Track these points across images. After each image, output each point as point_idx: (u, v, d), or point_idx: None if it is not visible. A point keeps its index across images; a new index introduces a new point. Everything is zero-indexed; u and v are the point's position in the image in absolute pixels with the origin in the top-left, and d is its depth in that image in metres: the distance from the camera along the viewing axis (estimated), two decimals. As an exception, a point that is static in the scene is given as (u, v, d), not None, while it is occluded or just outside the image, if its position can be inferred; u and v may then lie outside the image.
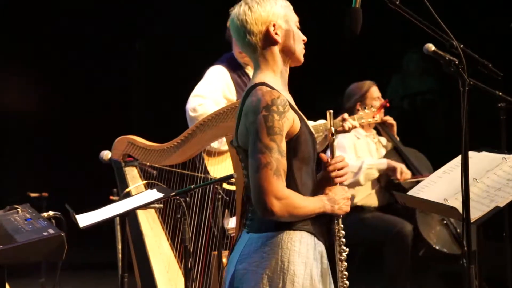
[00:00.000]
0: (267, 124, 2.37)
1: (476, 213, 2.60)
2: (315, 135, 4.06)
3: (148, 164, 3.74)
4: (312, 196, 2.49)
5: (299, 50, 2.55)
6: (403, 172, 4.91)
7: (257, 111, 2.39)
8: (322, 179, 2.60)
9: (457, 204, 2.62)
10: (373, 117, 4.25)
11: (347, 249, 2.65)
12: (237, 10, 2.53)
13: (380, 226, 4.94)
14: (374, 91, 5.10)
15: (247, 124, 2.42)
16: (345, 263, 2.64)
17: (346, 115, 4.04)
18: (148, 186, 3.67)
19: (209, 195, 3.69)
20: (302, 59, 2.58)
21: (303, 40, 2.57)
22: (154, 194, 3.16)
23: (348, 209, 2.58)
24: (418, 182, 4.21)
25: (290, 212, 2.40)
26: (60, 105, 7.41)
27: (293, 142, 2.43)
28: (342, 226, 2.66)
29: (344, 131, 4.05)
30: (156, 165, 3.73)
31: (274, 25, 2.49)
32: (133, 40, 7.44)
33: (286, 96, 2.50)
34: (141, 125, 7.29)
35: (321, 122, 4.03)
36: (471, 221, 2.53)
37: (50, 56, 7.21)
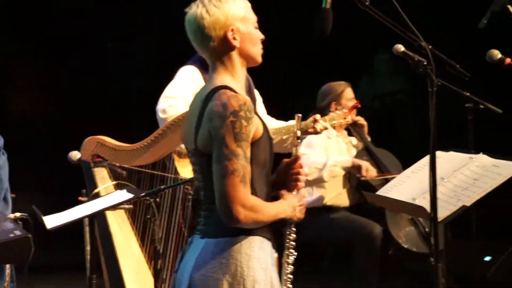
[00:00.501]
0: (234, 130, 2.34)
1: (443, 212, 2.62)
2: (286, 136, 4.09)
3: (117, 164, 3.72)
4: (272, 202, 2.48)
5: (257, 52, 2.52)
6: (369, 170, 4.94)
7: (224, 116, 2.35)
8: (276, 182, 2.59)
9: (425, 203, 2.64)
10: (345, 118, 4.24)
11: (296, 253, 2.66)
12: (194, 12, 2.47)
13: (350, 227, 4.96)
14: (349, 92, 5.13)
15: (211, 128, 2.38)
16: (291, 267, 2.66)
17: (318, 116, 4.04)
18: (118, 186, 3.65)
19: (179, 196, 3.68)
20: (260, 60, 2.54)
21: (261, 39, 2.54)
22: (124, 195, 3.15)
23: (303, 215, 2.57)
24: (387, 180, 4.25)
25: (255, 219, 2.37)
26: (24, 106, 7.34)
27: (254, 147, 2.41)
28: (294, 229, 2.67)
29: (316, 132, 4.05)
30: (126, 166, 3.71)
31: (232, 30, 2.45)
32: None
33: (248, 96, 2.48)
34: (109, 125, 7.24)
35: (292, 122, 4.04)
36: (439, 220, 2.55)
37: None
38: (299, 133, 2.66)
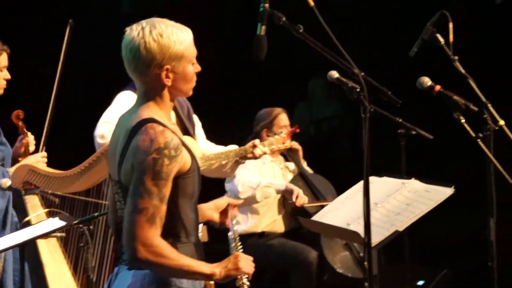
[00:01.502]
0: (154, 168, 2.30)
1: (377, 237, 2.66)
2: (226, 161, 4.08)
3: (50, 191, 3.65)
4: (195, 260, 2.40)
5: (189, 88, 2.48)
6: (299, 197, 4.96)
7: (148, 152, 2.30)
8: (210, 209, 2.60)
9: (360, 228, 2.67)
10: (283, 143, 4.26)
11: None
12: (133, 39, 2.39)
13: (285, 253, 4.98)
14: (282, 119, 5.15)
15: (134, 162, 2.33)
16: None
17: (257, 141, 4.05)
18: (50, 214, 3.58)
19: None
20: (190, 94, 2.50)
21: (198, 71, 2.48)
22: (56, 223, 3.08)
23: (251, 271, 2.50)
24: (322, 206, 4.28)
25: (158, 263, 2.30)
26: None
27: (182, 180, 2.37)
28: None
29: (255, 157, 4.05)
30: (59, 193, 3.64)
31: (167, 69, 2.39)
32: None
33: (175, 126, 2.46)
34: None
35: (231, 147, 4.05)
36: (373, 245, 2.58)
37: None
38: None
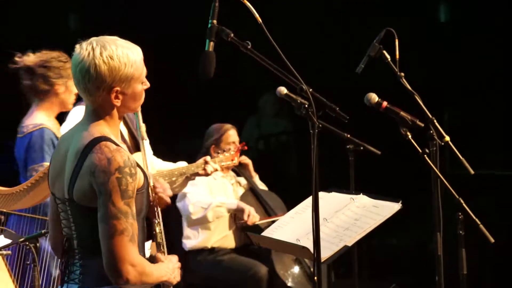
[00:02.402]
0: (121, 187, 2.30)
1: (326, 253, 2.67)
2: (175, 178, 4.06)
3: (-5, 209, 3.58)
4: (154, 264, 2.46)
5: (137, 106, 2.48)
6: (251, 215, 4.97)
7: (109, 172, 2.29)
8: None
9: (309, 244, 2.68)
10: (232, 160, 4.28)
11: None
12: (83, 59, 2.36)
13: (235, 268, 4.97)
14: (231, 135, 5.15)
15: (94, 183, 2.31)
16: None
17: (208, 158, 4.05)
18: (-5, 232, 3.51)
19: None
20: (138, 110, 2.55)
21: (146, 88, 2.47)
22: (1, 241, 3.03)
23: (179, 278, 2.55)
24: (273, 222, 4.29)
25: (143, 280, 2.34)
26: None
27: (135, 197, 2.37)
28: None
29: (206, 174, 4.04)
30: (4, 210, 3.57)
31: (116, 91, 2.38)
32: None
33: (121, 143, 2.45)
34: None
35: (180, 164, 4.03)
36: (322, 260, 2.59)
37: None
38: (144, 126, 2.61)
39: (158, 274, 2.42)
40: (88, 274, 2.39)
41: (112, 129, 2.43)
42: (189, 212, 4.94)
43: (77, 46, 2.40)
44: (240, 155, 5.09)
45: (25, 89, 3.90)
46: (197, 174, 4.05)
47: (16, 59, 3.86)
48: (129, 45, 2.42)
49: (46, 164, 3.81)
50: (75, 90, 3.92)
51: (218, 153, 4.30)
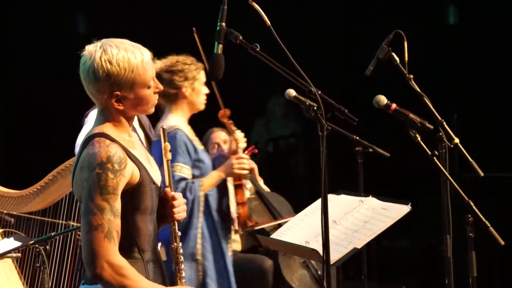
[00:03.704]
0: (100, 183, 2.29)
1: (335, 255, 2.66)
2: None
3: (5, 211, 3.60)
4: (151, 282, 2.37)
5: (147, 108, 2.44)
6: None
7: (92, 167, 2.30)
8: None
9: (318, 246, 2.67)
10: None
11: None
12: (85, 62, 2.35)
13: (240, 264, 4.98)
14: (216, 137, 5.15)
15: (82, 178, 2.33)
16: None
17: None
18: (5, 234, 3.53)
19: (71, 243, 3.59)
20: (151, 112, 2.46)
21: (158, 90, 2.44)
22: (11, 243, 3.05)
23: None
24: (279, 225, 4.29)
25: (121, 283, 2.29)
26: None
27: (132, 194, 2.36)
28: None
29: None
30: (14, 213, 3.59)
31: (116, 95, 2.36)
32: None
33: (131, 140, 2.44)
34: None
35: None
36: (331, 262, 2.59)
37: None
38: (168, 146, 2.57)
39: (146, 285, 2.32)
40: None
41: (120, 130, 2.42)
42: None
43: (86, 47, 2.41)
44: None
45: None
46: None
47: None
48: (134, 48, 2.38)
49: (179, 164, 3.89)
50: (203, 91, 4.00)
51: None
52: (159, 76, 3.81)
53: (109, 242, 2.28)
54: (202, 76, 4.02)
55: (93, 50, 2.36)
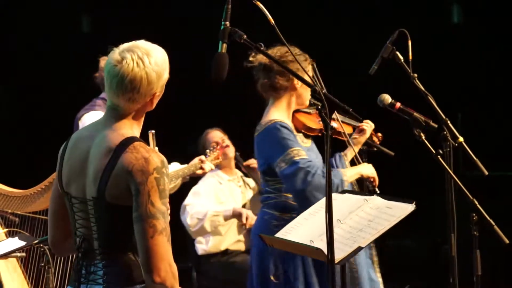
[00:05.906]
0: (159, 187, 2.31)
1: (339, 254, 2.66)
2: (178, 180, 4.14)
3: (10, 211, 3.61)
4: None
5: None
6: (248, 217, 4.98)
7: (147, 171, 2.31)
8: None
9: (323, 245, 2.67)
10: (217, 158, 4.43)
11: None
12: (132, 70, 2.35)
13: (247, 268, 4.99)
14: (212, 137, 5.26)
15: (131, 182, 2.31)
16: None
17: (203, 157, 4.18)
18: (10, 234, 3.53)
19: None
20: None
21: None
22: (16, 243, 3.05)
23: None
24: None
25: (172, 284, 2.33)
26: None
27: None
28: None
29: (204, 173, 4.17)
30: (19, 212, 3.60)
31: (154, 94, 2.41)
32: None
33: None
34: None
35: (174, 165, 4.15)
36: (335, 261, 2.59)
37: None
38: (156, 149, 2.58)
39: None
40: (113, 274, 2.38)
41: (137, 131, 2.45)
42: (188, 224, 5.03)
43: (114, 57, 2.38)
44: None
45: (262, 88, 3.75)
46: (195, 174, 4.13)
47: (251, 58, 3.70)
48: (158, 47, 2.43)
49: (294, 148, 3.58)
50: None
51: (205, 154, 4.38)
52: (269, 67, 3.66)
53: (170, 246, 2.33)
54: (311, 69, 3.71)
55: (136, 57, 2.36)
